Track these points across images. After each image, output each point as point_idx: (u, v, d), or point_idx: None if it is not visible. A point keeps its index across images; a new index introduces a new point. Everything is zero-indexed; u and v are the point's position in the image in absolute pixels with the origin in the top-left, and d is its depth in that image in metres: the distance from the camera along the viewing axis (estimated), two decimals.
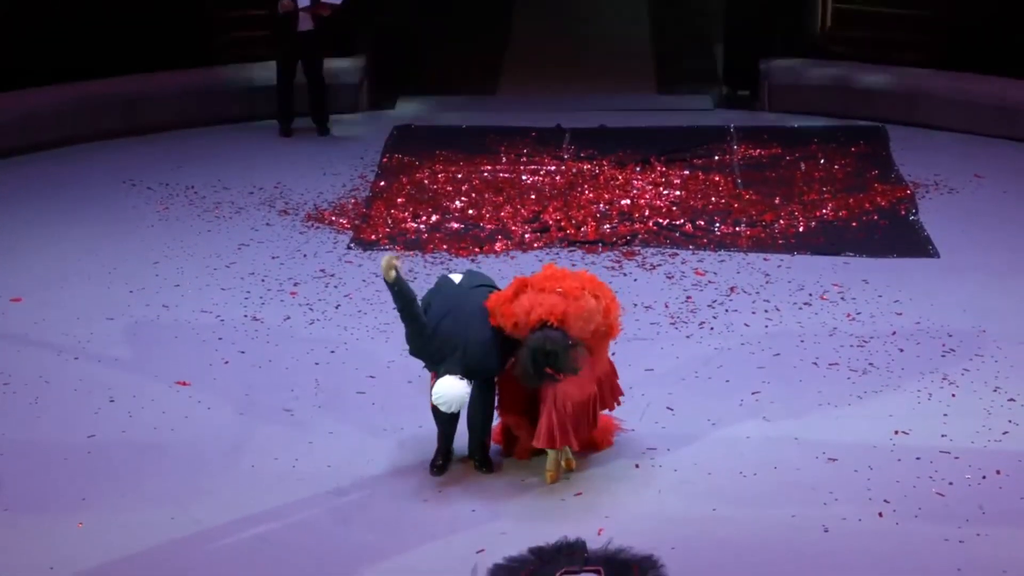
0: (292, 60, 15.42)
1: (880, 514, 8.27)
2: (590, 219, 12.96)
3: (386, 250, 12.09)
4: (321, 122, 15.76)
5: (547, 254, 12.29)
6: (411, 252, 12.17)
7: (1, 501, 8.52)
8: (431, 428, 9.02)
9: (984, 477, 8.79)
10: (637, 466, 8.92)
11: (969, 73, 15.69)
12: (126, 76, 15.90)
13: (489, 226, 12.81)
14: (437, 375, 8.54)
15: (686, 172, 14.08)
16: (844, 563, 7.78)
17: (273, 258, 12.23)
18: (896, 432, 9.27)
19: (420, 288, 9.13)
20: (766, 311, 11.17)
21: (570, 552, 8.21)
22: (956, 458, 8.95)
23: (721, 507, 8.38)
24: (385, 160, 14.64)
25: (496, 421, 8.95)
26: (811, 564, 7.83)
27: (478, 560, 8.06)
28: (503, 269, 11.41)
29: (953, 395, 9.79)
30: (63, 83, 15.54)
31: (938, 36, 16.50)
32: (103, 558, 7.99)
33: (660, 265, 12.06)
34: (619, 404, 9.06)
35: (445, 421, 8.91)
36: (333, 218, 13.14)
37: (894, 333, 10.69)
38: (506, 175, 14.09)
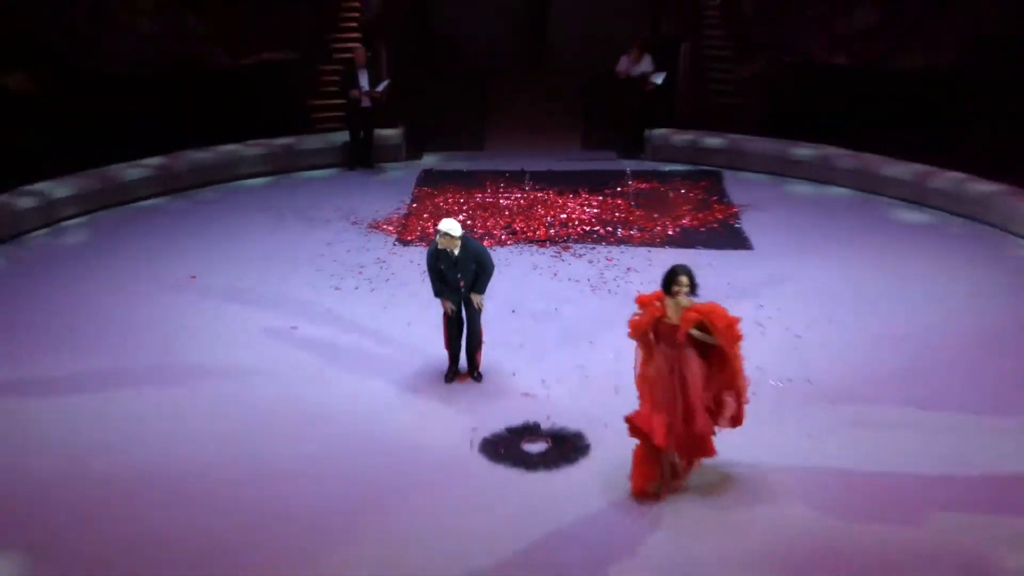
0: (357, 126, 15.51)
1: None
2: (542, 227, 12.94)
3: (419, 247, 12.15)
4: (369, 161, 15.68)
5: (515, 248, 12.28)
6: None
7: None
8: (446, 354, 9.10)
9: (783, 384, 8.95)
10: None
11: (771, 138, 15.63)
12: (256, 140, 15.70)
13: (480, 231, 12.79)
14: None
15: (600, 197, 14.02)
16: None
17: (348, 251, 12.19)
18: None
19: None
20: (649, 281, 11.09)
21: (530, 430, 8.32)
22: (764, 372, 9.02)
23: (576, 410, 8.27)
24: (416, 191, 14.53)
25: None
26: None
27: (473, 435, 8.20)
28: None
29: (763, 333, 9.83)
30: (218, 144, 15.33)
31: (753, 115, 16.55)
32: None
33: (584, 255, 12.07)
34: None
35: (454, 340, 8.96)
36: (385, 226, 13.08)
37: (728, 296, 10.71)
38: (490, 200, 14.01)
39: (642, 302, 7.45)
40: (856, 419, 8.40)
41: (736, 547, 6.89)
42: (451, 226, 8.54)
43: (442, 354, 9.13)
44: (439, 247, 8.61)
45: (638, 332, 7.35)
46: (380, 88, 15.38)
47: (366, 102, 15.32)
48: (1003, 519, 7.18)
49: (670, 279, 7.30)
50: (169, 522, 7.17)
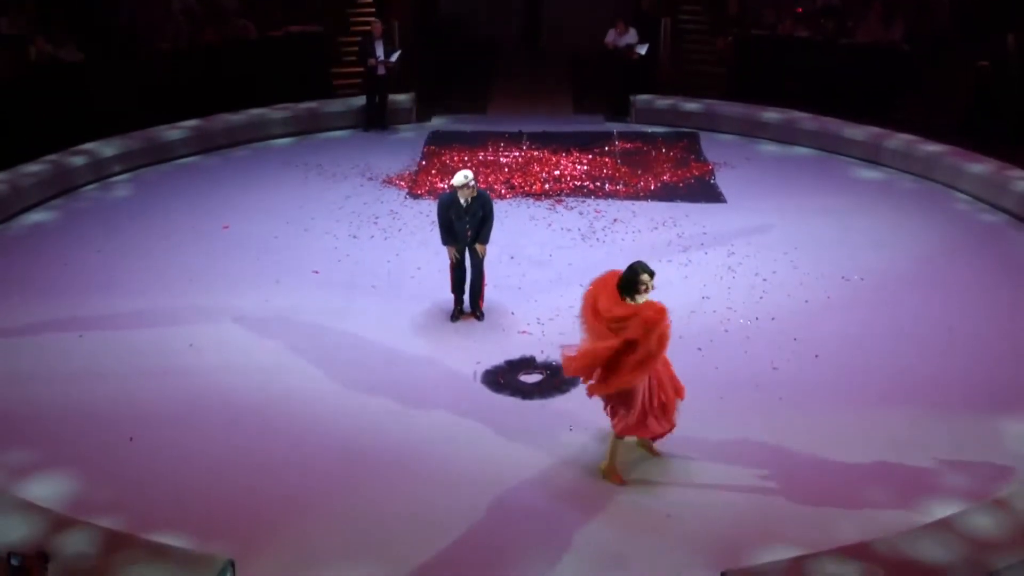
0: (373, 93, 15.22)
1: (699, 348, 8.26)
2: (537, 182, 12.74)
3: (428, 200, 11.97)
4: (383, 123, 15.38)
5: (513, 201, 12.09)
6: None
7: None
8: (452, 296, 8.95)
9: (750, 322, 8.80)
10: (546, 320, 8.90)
11: (742, 103, 15.44)
12: (283, 104, 15.41)
13: (482, 185, 12.52)
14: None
15: (589, 156, 13.83)
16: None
17: (364, 204, 11.98)
18: (703, 297, 9.23)
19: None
20: (633, 231, 11.07)
21: (526, 363, 8.25)
22: (735, 311, 8.97)
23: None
24: (425, 150, 14.31)
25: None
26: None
27: (477, 367, 8.10)
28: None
29: (733, 277, 9.76)
30: (249, 108, 15.06)
31: (726, 82, 16.42)
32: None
33: (575, 207, 11.90)
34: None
35: (459, 284, 8.82)
36: (397, 181, 12.85)
37: (703, 244, 10.66)
38: (492, 158, 13.81)
39: (625, 315, 6.07)
40: (814, 351, 8.27)
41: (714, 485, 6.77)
42: (467, 176, 8.36)
43: (448, 296, 8.99)
44: (456, 197, 8.44)
45: (661, 350, 5.92)
46: (393, 58, 15.13)
47: (381, 70, 15.06)
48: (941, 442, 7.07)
49: (634, 281, 6.04)
50: (215, 442, 7.05)
